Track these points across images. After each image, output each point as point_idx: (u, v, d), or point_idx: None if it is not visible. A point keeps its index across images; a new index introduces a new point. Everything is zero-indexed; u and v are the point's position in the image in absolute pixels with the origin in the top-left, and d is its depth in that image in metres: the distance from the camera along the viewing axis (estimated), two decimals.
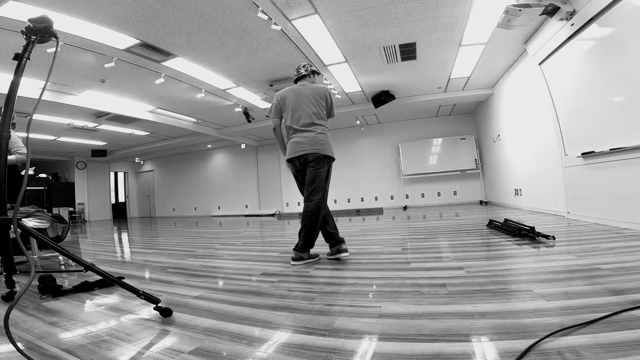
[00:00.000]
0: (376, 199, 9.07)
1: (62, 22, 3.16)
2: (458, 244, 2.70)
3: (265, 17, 3.28)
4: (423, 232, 3.60)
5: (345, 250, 2.32)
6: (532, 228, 2.65)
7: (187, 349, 1.04)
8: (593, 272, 1.57)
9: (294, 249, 2.33)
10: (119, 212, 12.77)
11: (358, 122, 8.64)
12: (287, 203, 9.86)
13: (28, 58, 1.17)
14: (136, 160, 12.61)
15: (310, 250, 2.38)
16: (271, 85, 5.43)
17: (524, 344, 0.91)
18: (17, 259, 2.41)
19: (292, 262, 2.27)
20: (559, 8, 3.14)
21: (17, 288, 1.74)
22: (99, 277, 1.52)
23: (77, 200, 10.57)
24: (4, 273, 1.13)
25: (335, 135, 9.24)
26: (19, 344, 1.01)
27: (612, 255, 1.87)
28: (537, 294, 1.32)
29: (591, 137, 3.25)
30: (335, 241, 2.36)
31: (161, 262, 2.73)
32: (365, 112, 7.46)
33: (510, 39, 4.30)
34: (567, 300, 1.23)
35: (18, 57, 1.15)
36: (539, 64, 4.04)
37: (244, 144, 10.10)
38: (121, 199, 13.23)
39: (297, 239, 2.35)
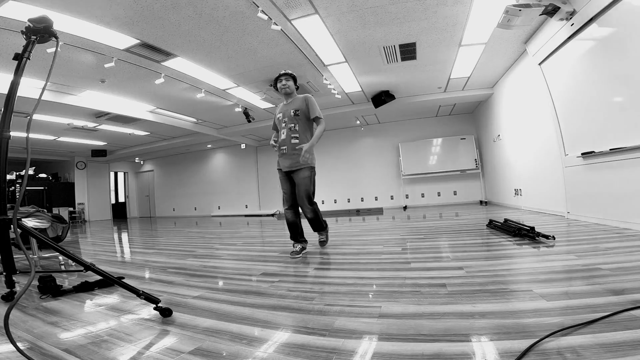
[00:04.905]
0: (376, 199, 9.07)
1: (62, 22, 3.16)
2: (458, 244, 2.70)
3: (265, 17, 3.28)
4: (423, 232, 3.59)
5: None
6: (532, 228, 2.65)
7: (187, 349, 1.04)
8: (593, 272, 1.57)
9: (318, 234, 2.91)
10: (119, 212, 12.76)
11: (358, 122, 8.64)
12: None
13: (28, 58, 1.17)
14: (136, 160, 12.61)
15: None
16: (271, 85, 5.41)
17: (524, 344, 0.91)
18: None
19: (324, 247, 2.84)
20: (559, 8, 3.14)
21: (17, 288, 1.74)
22: (99, 277, 1.52)
23: (77, 200, 10.57)
24: (4, 273, 1.12)
25: (335, 135, 9.27)
26: (19, 344, 1.01)
27: (612, 255, 1.87)
28: (537, 294, 1.32)
29: (591, 137, 3.25)
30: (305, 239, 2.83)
31: (161, 262, 2.73)
32: (365, 112, 7.46)
33: (510, 39, 4.30)
34: (567, 300, 1.23)
35: (18, 57, 1.15)
36: (539, 64, 4.04)
37: (244, 144, 10.10)
38: (121, 199, 13.22)
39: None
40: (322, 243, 2.84)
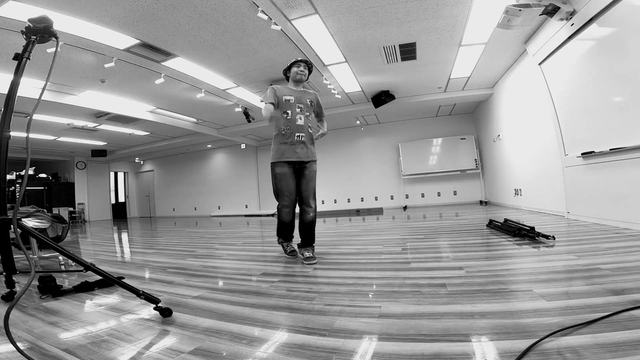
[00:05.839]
0: (376, 199, 9.07)
1: (62, 22, 3.16)
2: (458, 244, 2.70)
3: (265, 17, 3.28)
4: (423, 232, 3.59)
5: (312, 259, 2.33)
6: (532, 228, 2.65)
7: (187, 349, 1.04)
8: (593, 272, 1.56)
9: (305, 250, 2.41)
10: (119, 212, 12.76)
11: (358, 122, 8.64)
12: None
13: (28, 58, 1.17)
14: (136, 160, 12.61)
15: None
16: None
17: (524, 344, 0.91)
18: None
19: (313, 263, 2.28)
20: (559, 8, 3.14)
21: (17, 288, 1.74)
22: (99, 277, 1.52)
23: (77, 200, 10.57)
24: (4, 273, 1.12)
25: (335, 135, 9.24)
26: (19, 344, 1.01)
27: (612, 255, 1.87)
28: (537, 294, 1.32)
29: (591, 137, 3.25)
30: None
31: (161, 262, 2.73)
32: (365, 112, 7.46)
33: (510, 39, 4.30)
34: (567, 300, 1.23)
35: (18, 57, 1.15)
36: (539, 64, 4.04)
37: (244, 144, 10.10)
38: (121, 199, 13.22)
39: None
40: (310, 259, 2.30)
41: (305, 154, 2.41)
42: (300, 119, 2.41)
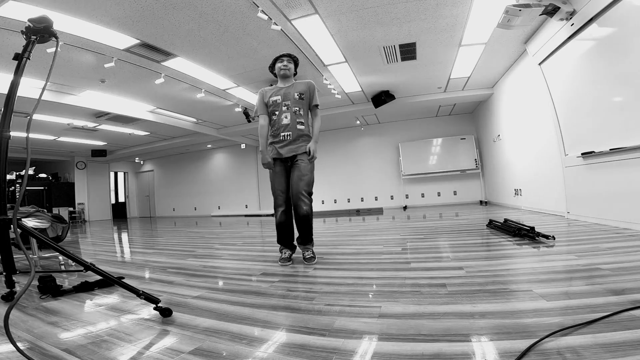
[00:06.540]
0: (376, 199, 9.07)
1: (62, 22, 3.16)
2: (458, 244, 2.70)
3: (265, 17, 3.28)
4: (423, 232, 3.59)
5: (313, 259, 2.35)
6: (532, 228, 2.65)
7: (187, 349, 1.04)
8: (593, 272, 1.57)
9: (305, 250, 2.40)
10: (119, 212, 12.76)
11: (358, 122, 8.64)
12: None
13: (28, 58, 1.17)
14: (136, 160, 12.61)
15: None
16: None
17: (524, 344, 0.91)
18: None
19: (313, 263, 2.29)
20: (559, 8, 3.14)
21: (17, 288, 1.74)
22: (99, 277, 1.52)
23: (77, 200, 10.57)
24: (4, 273, 1.12)
25: (335, 135, 9.27)
26: (19, 344, 1.01)
27: (612, 255, 1.87)
28: (537, 294, 1.32)
29: (591, 137, 3.25)
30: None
31: (161, 262, 2.73)
32: (365, 112, 7.46)
33: (510, 39, 4.30)
34: (567, 300, 1.22)
35: (18, 57, 1.15)
36: (539, 64, 4.04)
37: (244, 144, 10.10)
38: (121, 199, 13.23)
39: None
40: (310, 259, 2.31)
41: (290, 150, 2.35)
42: (286, 117, 2.37)
